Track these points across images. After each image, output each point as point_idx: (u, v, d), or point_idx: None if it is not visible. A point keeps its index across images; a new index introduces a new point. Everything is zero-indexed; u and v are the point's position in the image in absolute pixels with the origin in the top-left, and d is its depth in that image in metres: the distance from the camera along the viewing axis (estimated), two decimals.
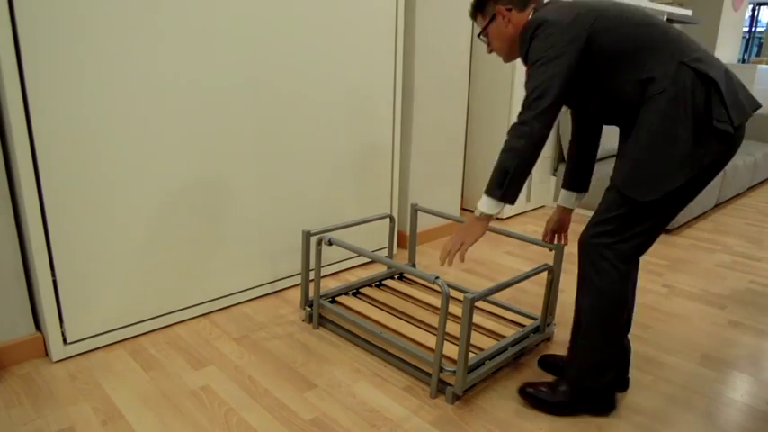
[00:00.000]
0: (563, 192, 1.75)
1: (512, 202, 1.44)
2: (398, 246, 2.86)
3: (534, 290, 2.38)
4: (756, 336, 2.04)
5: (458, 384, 1.56)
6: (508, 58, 1.57)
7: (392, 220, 2.29)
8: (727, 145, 1.31)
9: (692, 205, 3.23)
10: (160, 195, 1.86)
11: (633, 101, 1.36)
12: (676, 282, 2.52)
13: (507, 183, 1.40)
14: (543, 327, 1.88)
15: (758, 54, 8.40)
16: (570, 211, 1.77)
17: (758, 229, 3.35)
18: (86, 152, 1.66)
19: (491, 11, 1.52)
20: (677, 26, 1.52)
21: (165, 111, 1.80)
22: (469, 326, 1.50)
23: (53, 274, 1.68)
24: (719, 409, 1.60)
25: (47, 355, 1.77)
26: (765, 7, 8.44)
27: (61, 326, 1.74)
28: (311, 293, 2.14)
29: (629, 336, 1.65)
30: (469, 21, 2.82)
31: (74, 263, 1.71)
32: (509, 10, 1.49)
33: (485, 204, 1.46)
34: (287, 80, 2.10)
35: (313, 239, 2.21)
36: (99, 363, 1.75)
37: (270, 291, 2.28)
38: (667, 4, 4.37)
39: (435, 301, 2.10)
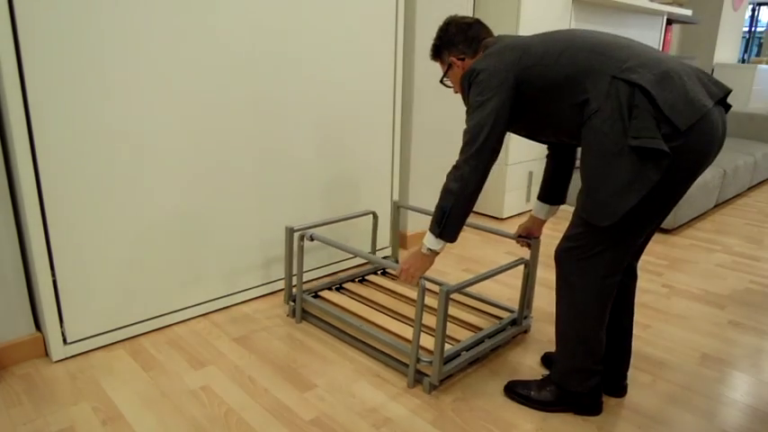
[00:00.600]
0: (537, 203, 1.75)
1: (451, 240, 1.51)
2: (400, 246, 2.86)
3: (518, 284, 2.38)
4: (756, 336, 2.04)
5: (434, 374, 1.60)
6: None
7: (375, 216, 2.33)
8: (674, 156, 1.24)
9: (693, 205, 3.23)
10: (160, 195, 1.86)
11: (576, 124, 1.37)
12: (676, 282, 2.52)
13: (445, 222, 1.47)
14: (520, 320, 1.93)
15: (758, 54, 8.41)
16: (542, 221, 1.79)
17: (758, 229, 3.35)
18: (86, 152, 1.66)
19: (446, 60, 1.59)
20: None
21: (165, 111, 1.80)
22: (445, 317, 1.55)
23: (53, 274, 1.68)
24: (719, 409, 1.60)
25: (47, 355, 1.77)
26: (765, 7, 8.44)
27: (61, 326, 1.74)
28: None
29: (632, 340, 1.65)
30: None
31: (74, 263, 1.71)
32: (461, 59, 1.57)
33: (429, 240, 1.53)
34: (287, 80, 2.10)
35: (296, 235, 2.25)
36: (99, 363, 1.75)
37: (270, 291, 2.28)
38: (667, 4, 4.37)
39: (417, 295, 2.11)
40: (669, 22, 4.53)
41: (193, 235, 1.98)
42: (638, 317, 2.16)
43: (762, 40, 8.48)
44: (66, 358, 1.77)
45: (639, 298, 2.33)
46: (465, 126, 1.44)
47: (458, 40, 1.56)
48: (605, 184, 1.29)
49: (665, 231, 3.25)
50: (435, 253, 1.55)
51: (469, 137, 1.42)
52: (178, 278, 1.97)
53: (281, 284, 2.31)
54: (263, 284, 2.24)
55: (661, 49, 4.46)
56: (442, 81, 1.64)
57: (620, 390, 1.64)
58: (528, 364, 1.81)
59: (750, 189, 4.43)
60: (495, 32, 3.37)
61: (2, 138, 1.61)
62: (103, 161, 1.70)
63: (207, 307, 2.08)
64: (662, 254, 2.87)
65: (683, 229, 3.32)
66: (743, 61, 7.70)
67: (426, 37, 2.64)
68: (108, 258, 1.78)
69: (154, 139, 1.80)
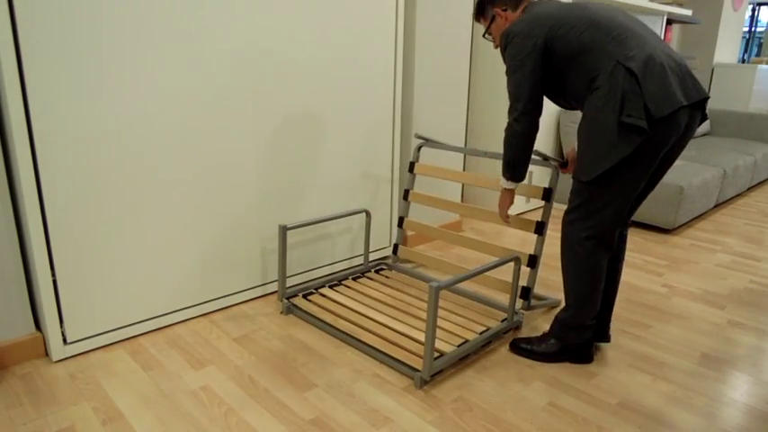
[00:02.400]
0: None
1: (520, 180, 1.81)
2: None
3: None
4: (756, 336, 2.04)
5: (425, 370, 1.63)
6: None
7: (368, 215, 2.35)
8: (648, 136, 1.48)
9: (693, 205, 3.23)
10: (160, 195, 1.86)
11: (583, 94, 1.61)
12: (676, 282, 2.52)
13: (512, 169, 1.77)
14: (511, 316, 1.98)
15: (758, 54, 8.40)
16: None
17: (758, 229, 3.35)
18: (86, 152, 1.66)
19: (490, 13, 1.80)
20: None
21: (165, 110, 1.80)
22: (435, 313, 1.59)
23: (53, 274, 1.68)
24: (719, 409, 1.60)
25: (47, 355, 1.77)
26: (765, 7, 8.44)
27: (61, 326, 1.74)
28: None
29: (616, 295, 1.97)
30: (470, 20, 2.83)
31: (74, 263, 1.71)
32: (504, 10, 1.76)
33: (503, 182, 1.84)
34: (287, 81, 2.10)
35: (289, 234, 2.29)
36: (99, 363, 1.75)
37: (270, 290, 2.28)
38: (667, 3, 4.37)
39: (412, 292, 2.11)
40: (669, 22, 4.52)
41: (193, 234, 1.98)
42: (638, 317, 2.16)
43: (762, 40, 8.48)
44: (66, 358, 1.77)
45: (640, 298, 2.33)
46: (508, 85, 1.68)
47: None
48: (590, 148, 1.57)
49: (666, 231, 3.25)
50: (512, 189, 1.86)
51: (514, 97, 1.66)
52: (178, 278, 1.97)
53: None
54: (262, 284, 2.24)
55: None
56: (484, 35, 1.84)
57: (606, 338, 1.88)
58: (526, 362, 1.81)
59: (750, 189, 4.43)
60: None
61: (2, 138, 1.61)
62: (103, 161, 1.70)
63: (207, 307, 2.08)
64: (662, 254, 2.87)
65: (683, 229, 3.32)
66: (743, 61, 7.70)
67: (426, 37, 2.64)
68: (108, 258, 1.78)
69: (154, 138, 1.80)
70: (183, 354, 1.81)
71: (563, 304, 1.99)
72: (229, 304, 2.16)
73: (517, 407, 1.59)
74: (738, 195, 4.21)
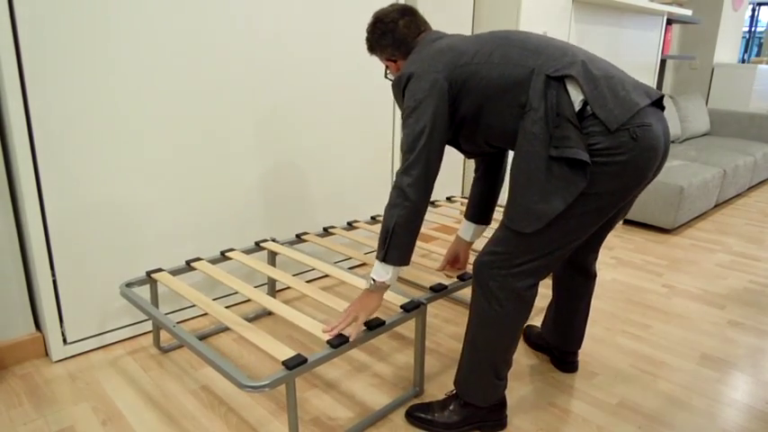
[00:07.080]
0: (464, 222, 1.67)
1: (396, 263, 1.33)
2: None
3: None
4: (756, 336, 2.04)
5: (417, 383, 1.62)
6: None
7: None
8: (600, 166, 1.19)
9: (693, 205, 3.23)
10: (160, 196, 1.86)
11: (513, 126, 1.28)
12: (676, 282, 2.52)
13: (389, 242, 1.31)
14: None
15: (758, 54, 8.40)
16: (468, 245, 1.72)
17: (758, 229, 3.35)
18: (86, 152, 1.66)
19: (381, 58, 1.51)
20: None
21: (166, 112, 1.80)
22: (423, 336, 1.55)
23: (53, 274, 1.68)
24: (719, 409, 1.60)
25: (47, 355, 1.77)
26: (765, 7, 8.44)
27: (61, 326, 1.74)
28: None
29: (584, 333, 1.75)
30: (470, 22, 2.83)
31: (74, 263, 1.71)
32: (393, 61, 1.48)
33: (374, 271, 1.36)
34: (285, 84, 2.10)
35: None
36: (99, 363, 1.75)
37: (270, 290, 2.28)
38: (667, 4, 4.37)
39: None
40: (669, 22, 4.52)
41: (192, 235, 1.98)
42: (638, 317, 2.16)
43: (762, 40, 8.48)
44: (66, 358, 1.77)
45: (639, 298, 2.33)
46: (402, 131, 1.33)
47: (385, 43, 1.45)
48: (532, 188, 1.22)
49: (666, 231, 3.25)
50: (383, 286, 1.37)
51: (407, 146, 1.30)
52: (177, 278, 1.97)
53: (281, 284, 2.30)
54: (263, 284, 2.24)
55: (661, 49, 4.47)
56: (386, 76, 1.56)
57: (571, 365, 1.74)
58: (526, 363, 1.81)
59: (750, 189, 4.43)
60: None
61: (2, 138, 1.61)
62: (103, 161, 1.70)
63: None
64: (662, 254, 2.87)
65: (684, 229, 3.32)
66: (743, 61, 7.71)
67: None
68: (108, 258, 1.78)
69: (154, 139, 1.80)
70: (183, 354, 1.81)
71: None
72: (229, 304, 2.16)
73: (517, 407, 1.59)
74: (738, 195, 4.21)
